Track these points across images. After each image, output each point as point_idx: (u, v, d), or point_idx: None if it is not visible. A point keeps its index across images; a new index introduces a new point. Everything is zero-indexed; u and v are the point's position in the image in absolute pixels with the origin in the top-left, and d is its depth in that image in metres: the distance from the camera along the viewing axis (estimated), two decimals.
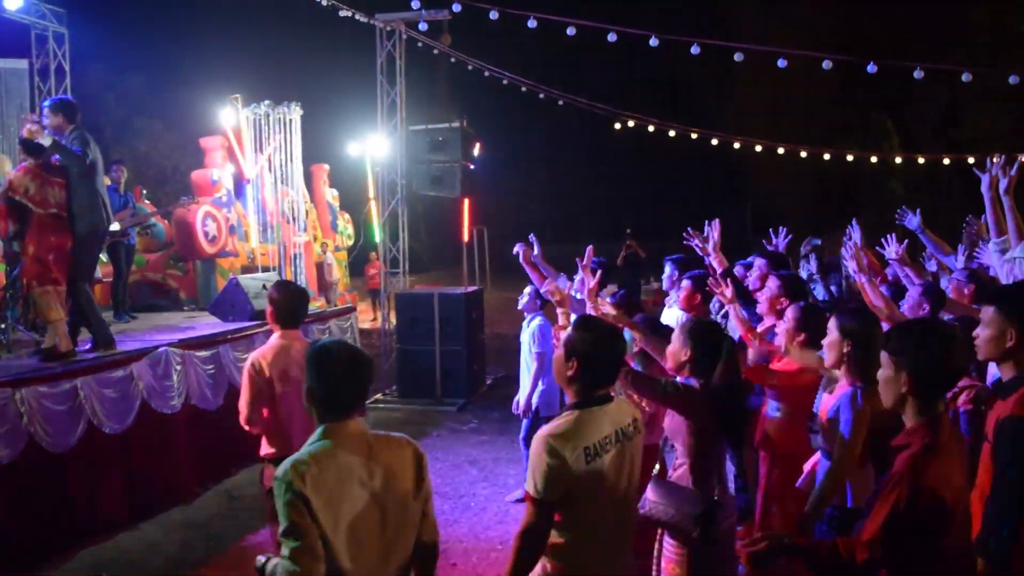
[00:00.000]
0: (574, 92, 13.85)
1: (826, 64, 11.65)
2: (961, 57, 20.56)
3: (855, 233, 5.87)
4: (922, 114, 23.25)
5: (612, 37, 9.85)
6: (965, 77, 12.96)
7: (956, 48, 21.34)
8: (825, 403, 3.88)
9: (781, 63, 11.80)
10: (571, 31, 9.65)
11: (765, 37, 25.89)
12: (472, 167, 11.40)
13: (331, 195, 15.11)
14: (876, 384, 2.79)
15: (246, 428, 4.61)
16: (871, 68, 11.55)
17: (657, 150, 26.35)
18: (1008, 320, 3.06)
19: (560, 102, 12.91)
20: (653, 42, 10.71)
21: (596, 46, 10.88)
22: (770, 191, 30.47)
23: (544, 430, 2.90)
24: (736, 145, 13.84)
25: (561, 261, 7.77)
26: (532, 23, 9.47)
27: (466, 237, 13.85)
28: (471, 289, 11.61)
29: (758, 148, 14.26)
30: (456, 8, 9.60)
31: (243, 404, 4.57)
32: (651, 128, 12.99)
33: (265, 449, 4.63)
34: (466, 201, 12.99)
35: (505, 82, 12.41)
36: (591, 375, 3.00)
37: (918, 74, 11.98)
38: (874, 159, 15.55)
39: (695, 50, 10.97)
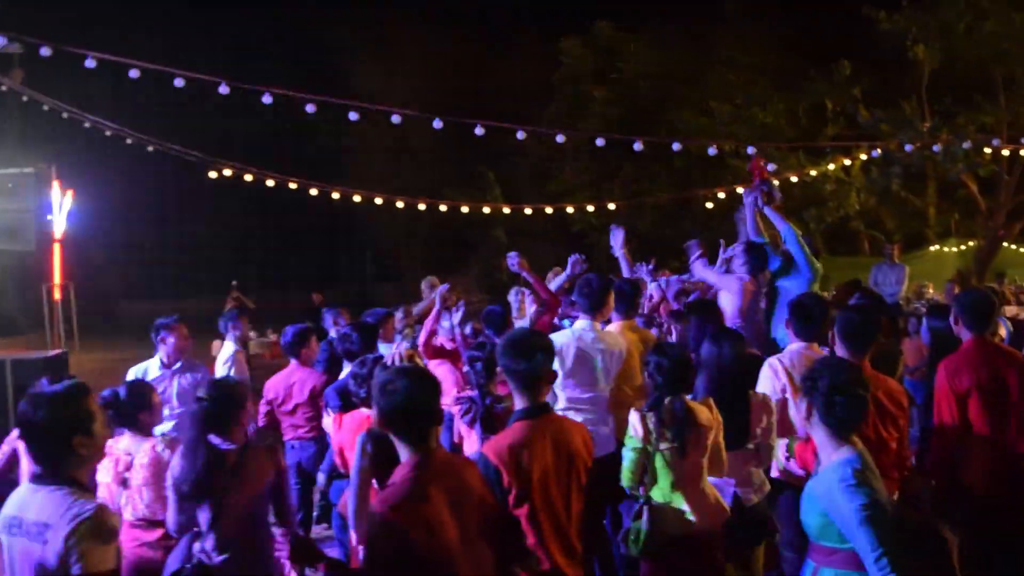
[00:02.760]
0: (181, 142, 13.13)
1: (437, 124, 12.16)
2: (550, 115, 22.90)
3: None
4: (519, 166, 25.46)
5: (179, 82, 9.44)
6: (559, 139, 14.42)
7: (547, 106, 23.74)
8: None
9: (395, 119, 12.18)
10: (134, 73, 9.05)
11: (380, 90, 26.83)
12: (50, 217, 10.32)
13: None
14: None
15: None
16: (478, 131, 12.27)
17: (275, 202, 25.99)
18: None
19: (150, 148, 12.17)
20: (266, 99, 10.55)
21: (201, 95, 10.45)
22: (388, 239, 31.41)
23: None
24: (335, 195, 14.03)
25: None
26: (90, 63, 8.72)
27: (58, 294, 12.52)
28: (53, 353, 10.41)
29: (356, 198, 14.58)
30: (2, 41, 8.59)
31: None
32: (248, 177, 12.72)
33: None
34: (56, 254, 11.80)
35: (87, 125, 11.44)
36: None
37: (520, 135, 13.02)
38: (465, 208, 16.74)
39: (310, 108, 10.98)
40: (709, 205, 18.70)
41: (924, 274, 20.32)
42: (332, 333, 8.12)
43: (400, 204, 16.73)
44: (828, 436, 3.19)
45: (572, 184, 22.35)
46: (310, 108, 10.91)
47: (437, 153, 28.17)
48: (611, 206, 18.02)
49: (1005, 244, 20.53)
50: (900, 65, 19.16)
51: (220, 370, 7.51)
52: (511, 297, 8.93)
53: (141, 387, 4.95)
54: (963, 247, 22.28)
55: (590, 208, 18.86)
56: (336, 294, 28.52)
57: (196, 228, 34.35)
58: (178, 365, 6.47)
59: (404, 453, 3.01)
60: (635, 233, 22.28)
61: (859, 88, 18.99)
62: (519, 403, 3.56)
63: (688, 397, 4.23)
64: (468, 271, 25.56)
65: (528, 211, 17.13)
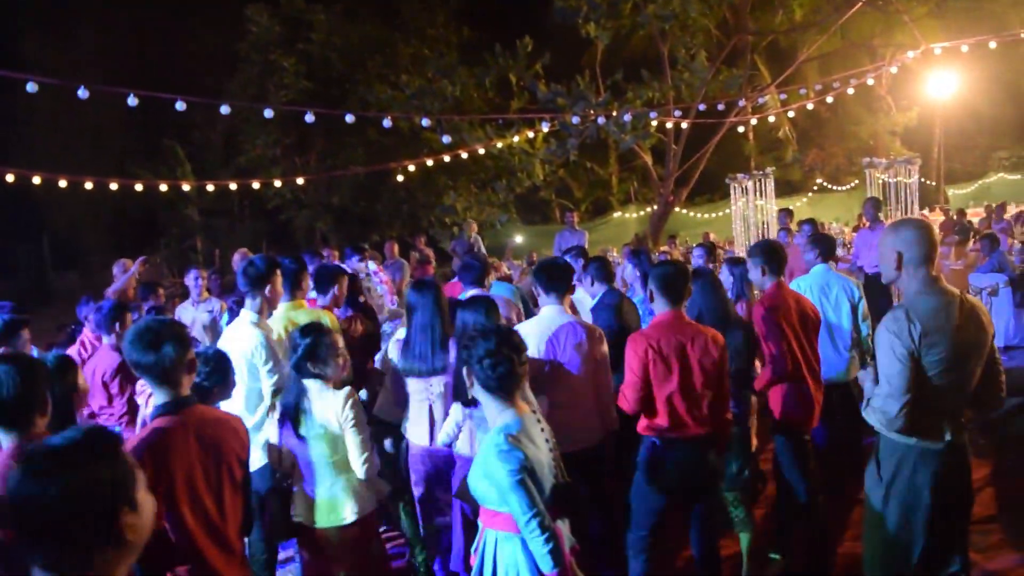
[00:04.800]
0: None
1: (82, 93, 11.00)
2: (236, 86, 21.74)
3: None
4: (208, 141, 24.09)
5: None
6: (223, 110, 13.52)
7: (233, 75, 22.53)
8: None
9: (31, 87, 10.91)
10: None
11: (54, 58, 24.16)
12: None
13: None
14: None
15: None
16: (131, 101, 11.33)
17: None
18: None
19: None
20: None
21: None
22: (67, 222, 28.64)
23: None
24: (10, 178, 12.42)
25: None
26: None
27: None
28: None
29: (10, 177, 12.98)
30: None
31: None
32: None
33: None
34: None
35: None
36: None
37: (180, 106, 11.99)
38: (139, 186, 15.41)
39: None
40: (400, 178, 18.73)
41: (609, 239, 21.86)
42: None
43: (63, 183, 15.16)
44: (491, 401, 3.23)
45: (264, 158, 21.45)
46: None
47: (119, 126, 25.97)
48: (300, 180, 17.49)
49: (677, 209, 22.40)
50: (577, 42, 20.17)
51: None
52: (189, 280, 8.39)
53: None
54: (642, 212, 24.14)
55: (278, 183, 18.20)
56: (11, 285, 25.55)
57: None
58: None
59: (5, 441, 2.90)
60: (329, 208, 22.11)
61: (540, 63, 19.75)
62: (158, 398, 3.31)
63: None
64: (159, 253, 23.83)
65: (211, 187, 16.13)
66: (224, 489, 3.36)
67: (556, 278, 4.87)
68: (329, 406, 4.01)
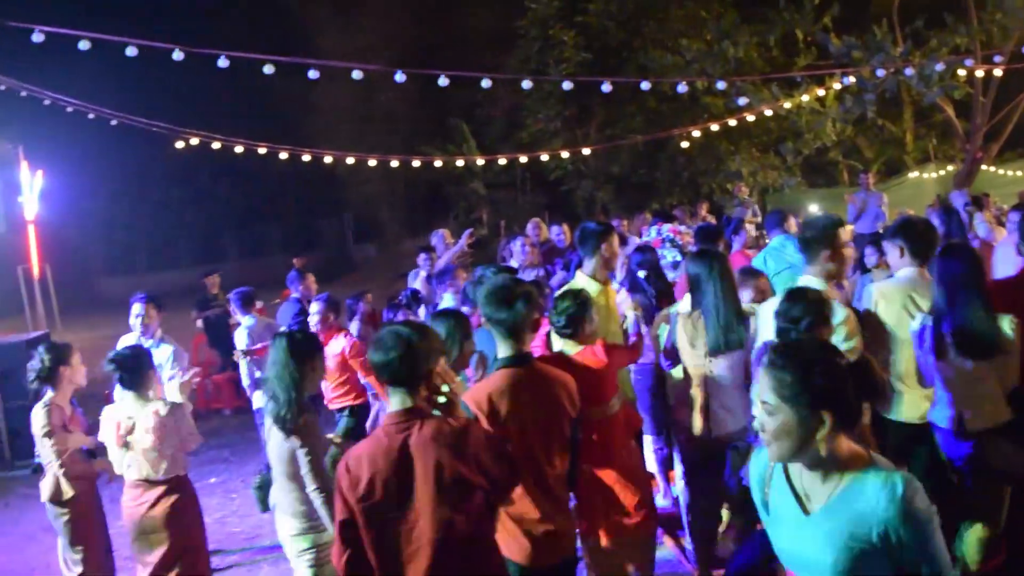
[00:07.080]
0: (144, 114, 12.75)
1: (400, 77, 11.74)
2: (516, 63, 22.46)
3: None
4: (490, 117, 25.13)
5: (132, 51, 9.11)
6: (525, 85, 14.11)
7: (511, 53, 23.29)
8: None
9: (356, 75, 11.91)
10: (84, 45, 8.68)
11: (342, 48, 26.28)
12: (20, 199, 10.11)
13: None
14: None
15: None
16: (443, 81, 11.99)
17: (247, 169, 25.74)
18: None
19: (114, 122, 11.82)
20: (223, 63, 10.26)
21: (164, 65, 10.18)
22: (365, 200, 31.13)
23: None
24: (306, 157, 13.74)
25: (161, 291, 7.47)
26: (38, 36, 8.32)
27: (37, 273, 12.43)
28: (35, 334, 10.30)
29: (328, 159, 14.35)
30: None
31: None
32: (216, 145, 12.40)
33: None
34: (32, 236, 11.71)
35: (47, 102, 11.09)
36: None
37: (486, 83, 12.62)
38: (439, 163, 16.54)
39: (268, 70, 10.69)
40: (685, 144, 18.55)
41: (904, 201, 20.32)
42: None
43: (373, 163, 16.54)
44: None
45: (545, 131, 22.08)
46: (268, 69, 10.65)
47: (407, 108, 27.81)
48: (586, 151, 17.86)
49: (984, 167, 20.47)
50: None
51: None
52: (516, 247, 9.06)
53: (142, 352, 4.99)
54: (942, 172, 22.20)
55: (565, 155, 18.65)
56: (318, 257, 28.25)
57: (168, 200, 33.79)
58: (150, 342, 6.43)
59: (395, 402, 2.96)
60: (609, 177, 22.37)
61: (829, 15, 18.70)
62: (502, 351, 3.57)
63: None
64: (448, 226, 25.36)
65: (503, 161, 16.94)
66: (554, 444, 3.52)
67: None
68: None
